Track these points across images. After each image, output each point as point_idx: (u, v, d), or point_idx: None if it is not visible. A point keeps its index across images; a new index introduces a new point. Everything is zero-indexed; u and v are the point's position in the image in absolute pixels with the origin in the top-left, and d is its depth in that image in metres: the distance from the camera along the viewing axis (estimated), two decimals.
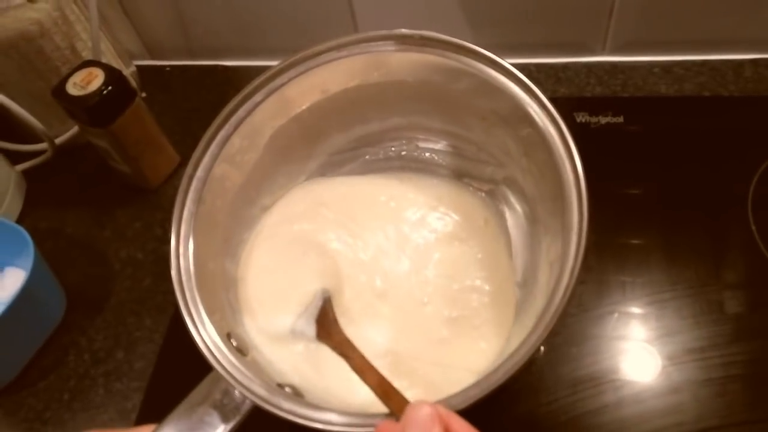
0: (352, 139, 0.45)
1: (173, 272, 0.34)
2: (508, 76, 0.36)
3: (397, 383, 0.30)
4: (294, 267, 0.40)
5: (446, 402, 0.28)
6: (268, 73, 0.38)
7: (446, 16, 0.53)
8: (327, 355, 0.38)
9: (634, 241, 0.44)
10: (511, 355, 0.29)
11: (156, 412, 0.32)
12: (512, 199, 0.42)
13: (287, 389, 0.33)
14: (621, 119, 0.50)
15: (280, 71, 0.38)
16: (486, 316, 0.38)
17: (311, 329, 0.37)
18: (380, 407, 0.30)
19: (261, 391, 0.30)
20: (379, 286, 0.40)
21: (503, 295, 0.39)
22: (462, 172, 0.44)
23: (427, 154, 0.45)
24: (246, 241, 0.41)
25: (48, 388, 0.44)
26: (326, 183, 0.44)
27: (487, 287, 0.39)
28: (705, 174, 0.46)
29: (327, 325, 0.37)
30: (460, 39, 0.37)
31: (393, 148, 0.45)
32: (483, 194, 0.43)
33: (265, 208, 0.43)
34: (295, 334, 0.37)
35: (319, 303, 0.38)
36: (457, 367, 0.36)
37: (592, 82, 0.53)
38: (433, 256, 0.41)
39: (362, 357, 0.33)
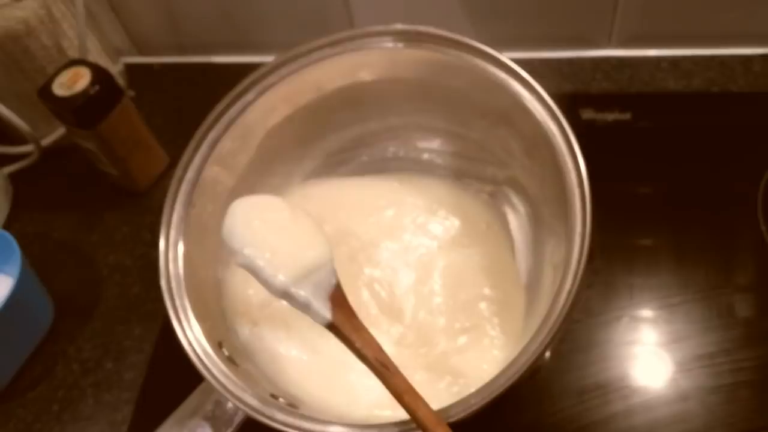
0: (348, 140, 0.44)
1: (162, 279, 0.34)
2: (508, 72, 0.35)
3: None
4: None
5: (446, 411, 0.28)
6: (260, 71, 0.37)
7: (447, 10, 0.52)
8: (324, 364, 0.37)
9: (643, 243, 0.44)
10: (512, 363, 0.28)
11: (147, 424, 0.32)
12: (515, 200, 0.41)
13: (281, 400, 0.32)
14: (629, 116, 0.49)
15: (273, 69, 0.38)
16: (496, 324, 0.37)
17: (322, 306, 0.28)
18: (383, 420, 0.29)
19: (254, 401, 0.30)
20: (386, 301, 0.39)
21: (511, 300, 0.38)
22: (462, 173, 0.43)
23: (426, 155, 0.44)
24: None
25: (37, 399, 0.43)
26: (322, 187, 0.43)
27: (494, 294, 0.39)
28: (714, 173, 0.46)
29: (348, 312, 0.28)
30: (461, 33, 0.36)
31: (391, 149, 0.44)
32: (485, 195, 0.43)
33: None
34: (291, 299, 0.28)
35: (332, 279, 0.29)
36: (472, 377, 0.35)
37: (598, 77, 0.52)
38: (438, 265, 0.40)
39: (402, 375, 0.27)
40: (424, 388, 0.34)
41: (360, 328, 0.29)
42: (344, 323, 0.28)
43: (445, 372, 0.36)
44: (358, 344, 0.28)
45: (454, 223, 0.41)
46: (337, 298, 0.29)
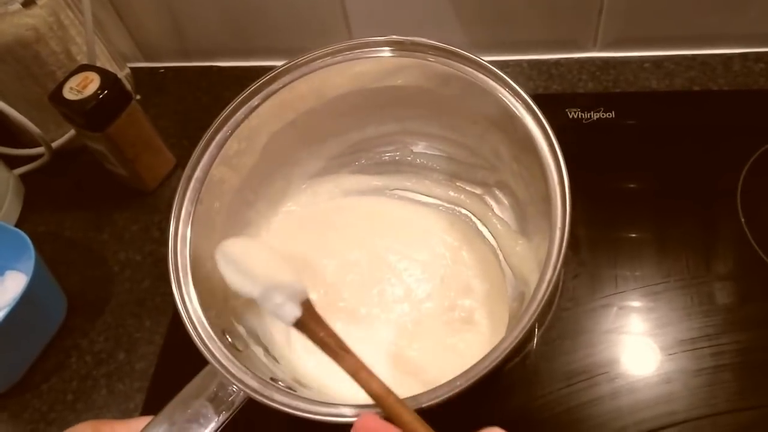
0: (348, 145, 0.45)
1: (171, 269, 0.35)
2: (494, 78, 0.37)
3: (407, 386, 0.31)
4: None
5: (434, 392, 0.29)
6: (265, 78, 0.39)
7: (439, 17, 0.53)
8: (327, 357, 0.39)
9: (627, 235, 0.45)
10: (497, 346, 0.30)
11: (158, 412, 0.32)
12: (504, 201, 0.43)
13: (280, 384, 0.33)
14: (613, 115, 0.50)
15: (277, 76, 0.39)
16: (492, 317, 0.39)
17: (293, 309, 0.31)
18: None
19: (254, 383, 0.31)
20: (384, 298, 0.41)
21: (499, 292, 0.40)
22: (455, 176, 0.45)
23: (420, 159, 0.46)
24: None
25: (51, 389, 0.45)
26: (324, 187, 0.45)
27: (484, 287, 0.40)
28: (696, 167, 0.47)
29: (315, 315, 0.32)
30: (454, 39, 0.38)
31: (388, 154, 0.46)
32: (476, 197, 0.44)
33: (262, 213, 0.43)
34: (264, 300, 0.31)
35: (304, 295, 0.32)
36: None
37: (584, 78, 0.53)
38: (437, 264, 0.42)
39: (357, 357, 0.30)
40: (424, 375, 0.37)
41: (324, 324, 0.32)
42: (310, 320, 0.31)
43: (444, 362, 0.38)
44: (321, 333, 0.31)
45: (449, 222, 0.43)
46: (308, 306, 0.32)
